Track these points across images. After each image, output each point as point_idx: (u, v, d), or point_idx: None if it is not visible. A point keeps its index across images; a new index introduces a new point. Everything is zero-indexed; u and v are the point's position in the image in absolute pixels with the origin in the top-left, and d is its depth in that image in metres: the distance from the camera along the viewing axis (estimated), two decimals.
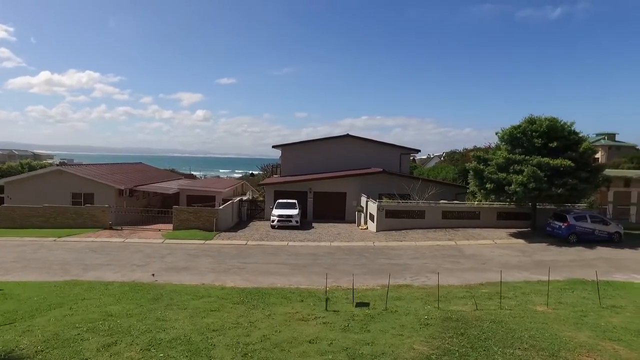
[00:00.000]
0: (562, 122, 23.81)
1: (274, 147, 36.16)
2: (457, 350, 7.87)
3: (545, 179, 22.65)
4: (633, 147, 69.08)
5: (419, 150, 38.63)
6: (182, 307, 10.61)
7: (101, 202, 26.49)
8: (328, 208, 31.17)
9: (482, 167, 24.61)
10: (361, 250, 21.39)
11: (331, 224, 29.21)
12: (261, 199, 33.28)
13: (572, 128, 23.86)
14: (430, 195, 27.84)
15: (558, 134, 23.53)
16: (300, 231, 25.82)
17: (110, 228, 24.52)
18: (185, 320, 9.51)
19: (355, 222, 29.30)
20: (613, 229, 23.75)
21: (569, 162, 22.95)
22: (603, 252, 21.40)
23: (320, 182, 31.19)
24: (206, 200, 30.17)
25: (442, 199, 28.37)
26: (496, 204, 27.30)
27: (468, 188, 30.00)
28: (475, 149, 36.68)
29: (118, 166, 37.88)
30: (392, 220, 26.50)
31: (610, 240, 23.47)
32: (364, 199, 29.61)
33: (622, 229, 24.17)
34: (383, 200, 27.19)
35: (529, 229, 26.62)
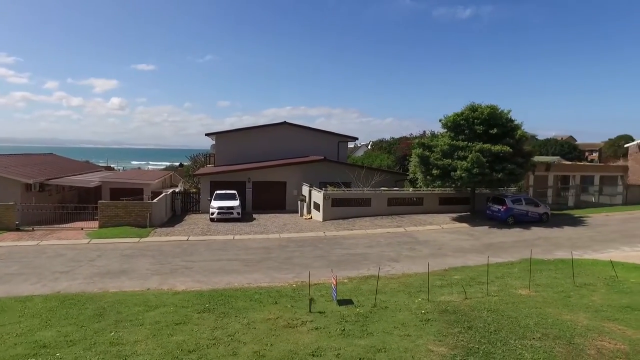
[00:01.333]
0: (501, 110, 24.73)
1: (207, 135, 33.50)
2: (478, 348, 7.09)
3: (487, 164, 23.39)
4: (534, 137, 76.46)
5: (357, 138, 38.46)
6: (137, 322, 8.56)
7: (4, 199, 22.12)
8: (268, 198, 29.57)
9: (427, 153, 24.75)
10: (313, 241, 20.28)
11: (272, 214, 27.73)
12: (194, 190, 30.62)
13: (509, 116, 24.91)
14: (372, 183, 27.56)
15: (497, 121, 24.38)
16: (243, 223, 24.00)
17: (17, 229, 20.54)
18: (148, 341, 7.55)
19: (297, 212, 28.10)
20: (542, 210, 25.38)
21: (508, 148, 23.92)
22: (538, 232, 22.63)
23: (259, 172, 29.42)
24: (133, 193, 26.78)
25: (382, 187, 28.24)
26: (438, 190, 27.83)
27: (408, 175, 30.34)
28: (417, 136, 37.37)
29: (24, 157, 32.38)
30: (338, 209, 25.75)
31: (540, 221, 25.03)
32: (305, 188, 28.50)
33: (549, 210, 25.96)
34: (328, 189, 26.30)
35: (469, 213, 27.53)
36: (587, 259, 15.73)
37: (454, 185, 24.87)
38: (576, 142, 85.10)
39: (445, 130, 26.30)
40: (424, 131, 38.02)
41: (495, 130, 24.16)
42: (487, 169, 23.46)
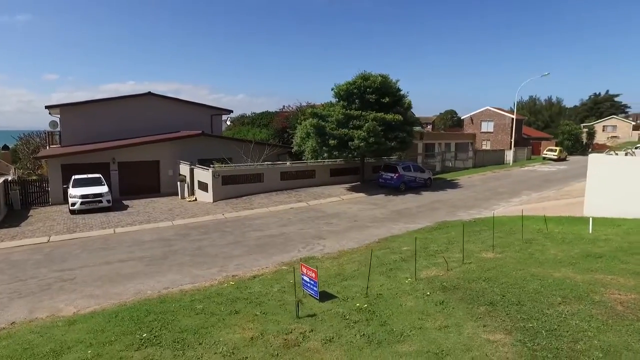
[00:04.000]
0: (391, 79, 24.98)
1: (47, 107, 26.15)
2: (532, 327, 6.09)
3: (382, 133, 23.51)
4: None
5: (231, 111, 35.19)
6: None
7: None
8: (138, 181, 24.75)
9: (323, 123, 23.63)
10: (216, 225, 17.38)
11: (147, 199, 23.34)
12: (34, 177, 23.73)
13: (398, 85, 25.38)
14: (263, 158, 25.38)
15: (389, 90, 24.59)
16: (118, 213, 19.37)
17: None
18: None
19: (177, 195, 24.27)
20: (427, 176, 26.99)
21: (400, 117, 24.44)
22: (431, 196, 23.85)
23: (126, 150, 24.25)
24: None
25: (266, 162, 26.28)
26: (328, 162, 27.21)
27: (292, 148, 29.05)
28: (296, 109, 35.79)
29: None
30: (230, 187, 22.95)
31: (425, 185, 26.59)
32: (185, 167, 24.71)
33: (432, 175, 27.83)
34: (215, 166, 23.15)
35: (359, 182, 27.70)
36: (500, 217, 16.74)
37: (350, 155, 24.44)
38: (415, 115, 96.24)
39: (338, 99, 25.55)
40: (300, 103, 36.88)
41: (387, 99, 24.35)
42: (382, 138, 23.62)
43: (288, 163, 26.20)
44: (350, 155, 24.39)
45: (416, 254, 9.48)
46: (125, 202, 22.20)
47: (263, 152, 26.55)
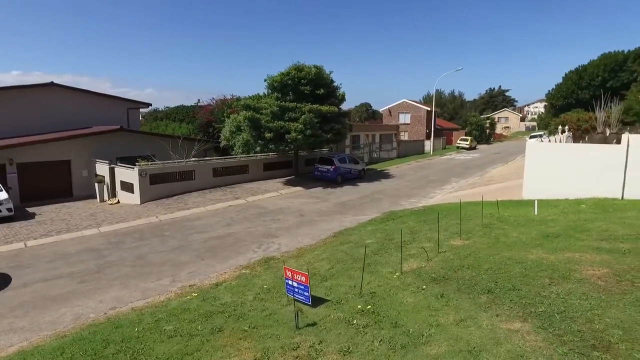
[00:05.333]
0: (325, 71, 24.61)
1: None
2: (545, 312, 6.05)
3: (318, 125, 23.15)
4: None
5: (150, 104, 32.19)
6: None
7: None
8: (45, 184, 21.45)
9: (258, 116, 22.55)
10: (153, 229, 15.62)
11: (58, 205, 20.36)
12: None
13: (332, 77, 25.12)
14: (186, 155, 23.49)
15: (323, 81, 24.21)
16: (24, 223, 16.50)
17: None
18: None
19: (96, 198, 21.60)
20: (361, 167, 27.28)
21: (335, 108, 24.27)
22: (369, 187, 24.09)
23: (27, 150, 20.80)
24: None
25: (192, 157, 24.51)
26: (261, 156, 26.23)
27: (220, 143, 27.59)
28: (220, 102, 33.74)
29: None
30: (159, 186, 20.93)
31: (360, 177, 26.87)
32: (103, 166, 22.02)
33: (365, 166, 28.20)
34: (141, 164, 20.91)
35: (293, 176, 27.11)
36: (446, 204, 17.32)
37: (287, 148, 23.71)
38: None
39: (271, 91, 24.59)
40: (224, 96, 35.05)
41: (322, 91, 24.00)
42: (319, 130, 23.27)
43: (214, 159, 24.61)
44: (286, 148, 23.66)
45: (402, 245, 9.17)
46: (31, 210, 19.09)
47: (189, 148, 24.63)
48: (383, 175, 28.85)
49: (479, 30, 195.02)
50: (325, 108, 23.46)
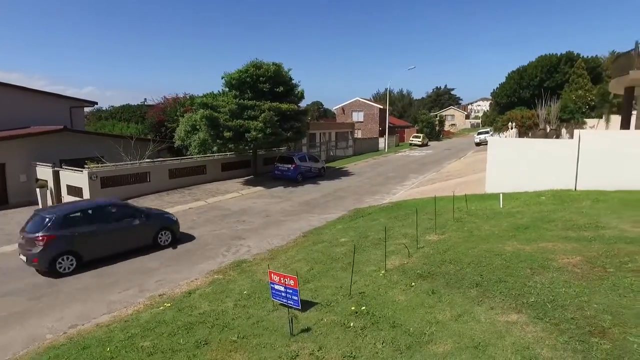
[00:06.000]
0: (284, 68, 24.19)
1: None
2: (537, 302, 6.15)
3: (278, 123, 22.75)
4: None
5: (96, 103, 30.10)
6: None
7: None
8: None
9: (216, 114, 21.73)
10: None
11: None
12: None
13: (290, 74, 24.74)
14: (138, 156, 22.23)
15: (282, 79, 23.80)
16: None
17: None
18: None
19: (38, 204, 19.87)
20: (321, 165, 27.17)
21: (295, 106, 23.96)
22: (330, 185, 24.00)
23: None
24: None
25: (146, 159, 23.28)
26: (218, 156, 25.40)
27: (174, 143, 26.47)
28: (170, 100, 32.10)
29: None
30: (111, 190, 19.56)
31: (320, 175, 26.75)
32: (45, 170, 20.33)
33: (325, 164, 28.11)
34: (90, 166, 19.46)
35: (252, 176, 26.50)
36: (411, 200, 17.55)
37: (247, 147, 23.10)
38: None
39: (229, 88, 23.82)
40: (176, 94, 33.50)
41: (281, 89, 23.60)
42: (279, 128, 22.88)
43: (170, 160, 23.47)
44: (246, 147, 23.07)
45: (386, 242, 9.06)
46: None
47: (141, 149, 23.31)
48: (342, 173, 28.93)
49: (426, 31, 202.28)
50: (285, 106, 23.09)
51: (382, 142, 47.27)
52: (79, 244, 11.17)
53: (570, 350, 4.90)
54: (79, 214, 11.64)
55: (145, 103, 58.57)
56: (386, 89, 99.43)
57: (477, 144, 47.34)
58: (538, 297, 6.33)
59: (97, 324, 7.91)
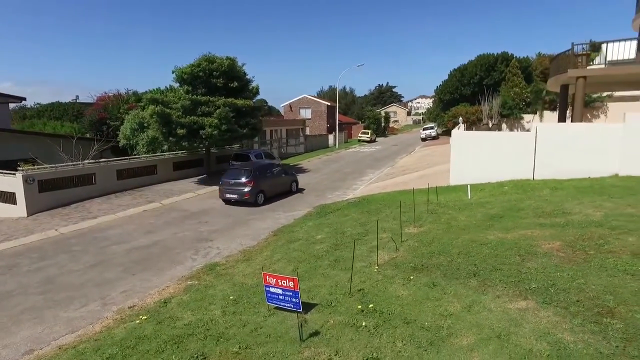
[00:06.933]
0: (238, 63, 23.31)
1: None
2: (539, 288, 6.23)
3: (234, 119, 21.94)
4: None
5: (24, 98, 27.11)
6: None
7: None
8: None
9: (168, 111, 20.47)
10: (55, 245, 13.11)
11: None
12: None
13: (245, 69, 23.93)
14: (80, 156, 20.45)
15: (237, 74, 22.93)
16: None
17: None
18: None
19: None
20: (278, 162, 26.57)
21: (251, 102, 23.22)
22: None
23: None
24: None
25: (85, 160, 21.51)
26: (168, 155, 24.09)
27: (118, 142, 24.81)
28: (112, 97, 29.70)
29: None
30: (51, 194, 17.78)
31: None
32: None
33: (280, 161, 27.58)
34: (24, 168, 17.52)
35: (206, 175, 25.41)
36: (375, 194, 17.53)
37: (202, 144, 22.04)
38: None
39: (180, 84, 22.56)
40: (118, 91, 31.18)
41: (236, 84, 22.75)
42: (235, 125, 22.06)
43: (117, 160, 21.82)
44: (201, 144, 22.03)
45: (377, 237, 8.86)
46: None
47: (82, 149, 21.44)
48: (298, 170, 28.55)
49: (369, 30, 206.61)
50: (240, 102, 22.31)
51: (332, 139, 47.50)
52: None
53: (589, 332, 4.97)
54: None
55: (78, 100, 54.36)
56: (331, 87, 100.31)
57: (423, 139, 49.07)
58: (538, 283, 6.43)
59: (60, 346, 6.96)
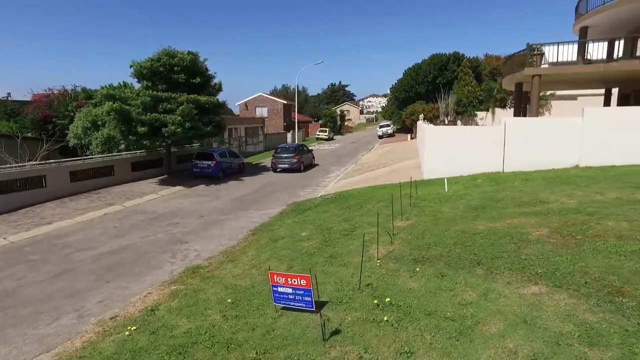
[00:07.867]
0: (200, 58, 22.39)
1: None
2: (546, 273, 6.36)
3: (197, 116, 21.10)
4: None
5: None
6: None
7: None
8: None
9: (127, 107, 19.25)
10: (8, 255, 11.86)
11: None
12: None
13: (207, 65, 23.03)
14: (43, 155, 18.91)
15: (198, 69, 22.03)
16: None
17: None
18: None
19: None
20: (241, 161, 25.95)
21: (214, 99, 22.43)
22: (256, 180, 23.00)
23: None
24: None
25: (29, 161, 19.87)
26: (125, 154, 22.77)
27: (69, 142, 23.18)
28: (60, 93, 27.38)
29: None
30: None
31: (241, 171, 25.57)
32: None
33: (244, 160, 26.92)
34: None
35: (166, 175, 24.29)
36: (353, 190, 17.46)
37: (164, 143, 20.98)
38: None
39: (139, 79, 21.31)
40: (63, 87, 28.90)
41: (198, 80, 21.87)
42: (199, 122, 21.22)
43: (70, 161, 20.27)
44: (163, 143, 20.96)
45: (378, 233, 8.72)
46: None
47: (28, 150, 19.77)
48: (262, 168, 28.05)
49: (319, 30, 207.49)
50: (204, 98, 21.50)
51: (290, 137, 47.15)
52: None
53: (608, 311, 5.13)
54: None
55: (10, 98, 49.95)
56: (284, 85, 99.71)
57: (380, 137, 49.96)
58: (543, 268, 6.59)
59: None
